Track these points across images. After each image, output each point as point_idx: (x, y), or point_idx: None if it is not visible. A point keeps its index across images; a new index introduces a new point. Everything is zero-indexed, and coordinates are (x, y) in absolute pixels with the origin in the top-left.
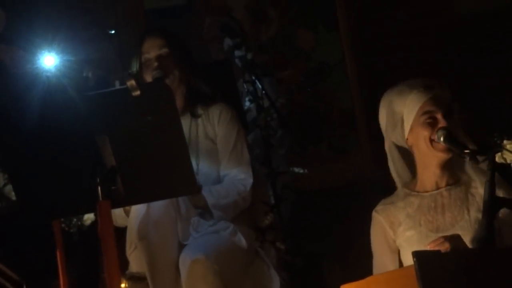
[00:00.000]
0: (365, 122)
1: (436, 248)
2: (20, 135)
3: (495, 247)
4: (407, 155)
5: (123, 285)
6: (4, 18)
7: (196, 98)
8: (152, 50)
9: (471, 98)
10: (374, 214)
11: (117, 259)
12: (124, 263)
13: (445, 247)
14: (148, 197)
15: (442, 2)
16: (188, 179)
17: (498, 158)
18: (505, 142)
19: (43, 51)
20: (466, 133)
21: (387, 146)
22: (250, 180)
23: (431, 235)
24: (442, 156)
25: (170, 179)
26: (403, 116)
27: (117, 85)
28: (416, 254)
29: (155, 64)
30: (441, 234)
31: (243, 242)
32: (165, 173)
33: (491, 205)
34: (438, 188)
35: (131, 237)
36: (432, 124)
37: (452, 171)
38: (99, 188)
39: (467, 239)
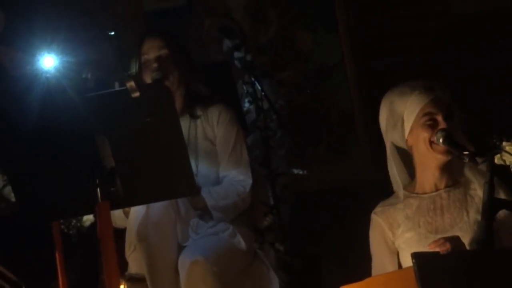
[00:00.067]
0: (364, 123)
1: (437, 249)
2: (19, 136)
3: (494, 248)
4: (406, 157)
5: (122, 286)
6: (3, 19)
7: (195, 99)
8: (152, 51)
9: (471, 99)
10: (373, 216)
11: (116, 261)
12: (123, 265)
13: (446, 247)
14: (147, 198)
15: (440, 3)
16: (187, 180)
17: (497, 160)
18: (504, 143)
19: (42, 53)
20: (466, 135)
21: (387, 146)
22: (249, 181)
23: (430, 237)
24: (441, 158)
25: (170, 180)
26: (403, 117)
27: (117, 87)
28: (415, 256)
29: (155, 65)
30: (440, 236)
31: (242, 243)
32: (164, 174)
33: (490, 206)
34: (437, 189)
35: (130, 238)
36: (432, 126)
37: (451, 172)
38: (98, 189)
39: (466, 241)
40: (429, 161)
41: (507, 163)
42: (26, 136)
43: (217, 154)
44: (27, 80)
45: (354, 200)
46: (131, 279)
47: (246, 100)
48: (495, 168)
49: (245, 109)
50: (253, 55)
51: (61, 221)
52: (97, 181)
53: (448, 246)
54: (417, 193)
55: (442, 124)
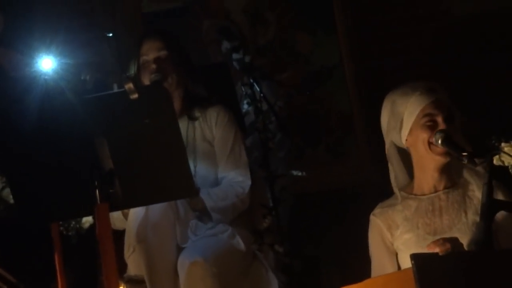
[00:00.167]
0: (363, 125)
1: (436, 249)
2: (18, 138)
3: (492, 250)
4: (406, 157)
5: None
6: (2, 21)
7: (193, 100)
8: (151, 52)
9: (470, 99)
10: (372, 217)
11: (115, 262)
12: (122, 266)
13: (445, 247)
14: (146, 200)
15: (440, 4)
16: (186, 182)
17: (496, 161)
18: (502, 145)
19: (41, 54)
20: (465, 137)
21: (387, 146)
22: (248, 182)
23: (428, 238)
24: (440, 159)
25: (168, 182)
26: (403, 117)
27: (115, 88)
28: (414, 257)
29: (153, 66)
30: (438, 237)
31: (241, 245)
32: (163, 176)
33: (489, 207)
34: (436, 191)
35: (129, 240)
36: (432, 127)
37: (450, 174)
38: (97, 191)
39: (464, 242)
40: (428, 162)
41: (506, 164)
42: (25, 138)
43: (215, 156)
44: (25, 81)
45: (353, 202)
46: (130, 281)
47: (245, 102)
48: (493, 169)
49: (244, 110)
50: (252, 56)
51: (60, 223)
52: (96, 183)
53: (448, 246)
54: (415, 195)
55: (442, 126)
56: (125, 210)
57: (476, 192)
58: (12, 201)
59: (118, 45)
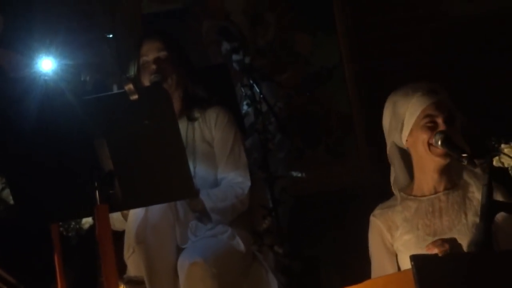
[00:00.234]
0: (363, 125)
1: (435, 250)
2: (18, 139)
3: (492, 251)
4: (407, 158)
5: None
6: (2, 22)
7: (193, 101)
8: (151, 52)
9: (470, 100)
10: (371, 218)
11: (115, 263)
12: (122, 267)
13: (444, 248)
14: (146, 201)
15: (439, 5)
16: (186, 183)
17: (495, 162)
18: (502, 146)
19: (41, 55)
20: (465, 138)
21: (389, 147)
22: (247, 183)
23: (428, 239)
24: (440, 160)
25: (168, 183)
26: (405, 117)
27: (115, 89)
28: (414, 258)
29: (153, 66)
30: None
31: (241, 245)
32: (163, 177)
33: (489, 209)
34: (435, 192)
35: (129, 241)
36: (432, 128)
37: (449, 175)
38: (96, 192)
39: (464, 243)
40: (428, 163)
41: (506, 165)
42: (25, 139)
43: (215, 156)
44: (25, 82)
45: (352, 203)
46: (129, 282)
47: (245, 103)
48: (493, 171)
49: (243, 111)
50: (251, 57)
51: (60, 223)
52: (96, 184)
53: (446, 247)
54: (415, 196)
55: (442, 127)
56: (125, 211)
57: (476, 194)
58: (12, 202)
59: (118, 46)
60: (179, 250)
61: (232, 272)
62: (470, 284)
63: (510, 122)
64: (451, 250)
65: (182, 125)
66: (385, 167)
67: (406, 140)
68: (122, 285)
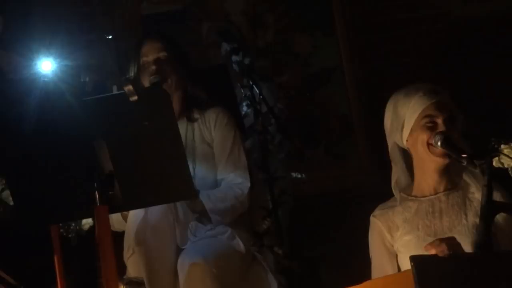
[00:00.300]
0: (362, 127)
1: (433, 251)
2: (17, 140)
3: (492, 251)
4: (408, 159)
5: None
6: (1, 23)
7: (193, 102)
8: (151, 53)
9: (470, 101)
10: (372, 218)
11: (114, 264)
12: (121, 268)
13: (441, 248)
14: (145, 202)
15: (439, 7)
16: (185, 184)
17: (495, 163)
18: (502, 146)
19: (40, 56)
20: (465, 140)
21: (390, 147)
22: (247, 184)
23: (428, 240)
24: (439, 160)
25: (168, 184)
26: (405, 118)
27: (115, 90)
28: (414, 259)
29: (153, 67)
30: None
31: (241, 246)
32: (162, 178)
33: (488, 209)
34: (436, 193)
35: (128, 242)
36: (431, 128)
37: (450, 176)
38: (96, 193)
39: (464, 244)
40: (428, 163)
41: (505, 166)
42: (25, 140)
43: (214, 157)
44: (25, 84)
45: (352, 204)
46: (129, 283)
47: (244, 104)
48: (493, 171)
49: (243, 112)
50: (251, 58)
51: (60, 224)
52: (96, 185)
53: (443, 247)
54: (415, 196)
55: (441, 127)
56: (125, 212)
57: (476, 194)
58: (11, 203)
59: (117, 47)
60: (179, 251)
61: (232, 272)
62: (470, 284)
63: (510, 123)
64: (450, 250)
65: (182, 126)
66: (385, 168)
67: (407, 140)
68: (122, 286)
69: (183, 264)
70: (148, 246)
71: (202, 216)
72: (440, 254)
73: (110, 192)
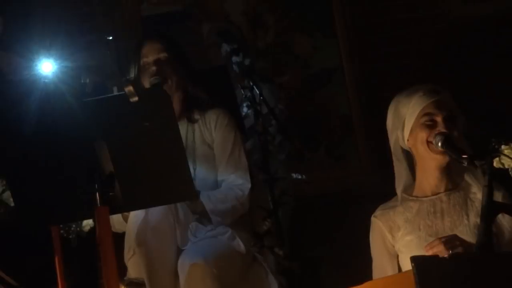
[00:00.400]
0: (363, 127)
1: (431, 251)
2: (18, 141)
3: (493, 252)
4: (410, 159)
5: None
6: (1, 24)
7: (193, 103)
8: (151, 54)
9: (470, 101)
10: (373, 219)
11: (115, 265)
12: (122, 269)
13: (439, 249)
14: (146, 203)
15: (439, 7)
16: (186, 185)
17: (496, 163)
18: (502, 147)
19: (40, 58)
20: (466, 140)
21: (392, 147)
22: (248, 185)
23: (430, 240)
24: (439, 158)
25: (168, 185)
26: (406, 117)
27: (115, 91)
28: (415, 259)
29: (154, 68)
30: None
31: (241, 246)
32: (163, 179)
33: (489, 210)
34: (437, 193)
35: (129, 243)
36: (431, 126)
37: (451, 176)
38: (97, 194)
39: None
40: (428, 161)
41: (506, 166)
42: (25, 141)
43: (214, 158)
44: (25, 85)
45: (352, 204)
46: (130, 284)
47: (245, 105)
48: (493, 172)
49: (243, 113)
50: (251, 59)
51: (61, 226)
52: (96, 186)
53: (441, 248)
54: (416, 196)
55: (441, 126)
56: (125, 213)
57: (478, 194)
58: (12, 204)
59: (117, 48)
60: (179, 252)
61: (232, 272)
62: (470, 285)
63: (510, 123)
64: (450, 248)
65: (182, 126)
66: (385, 168)
67: (408, 140)
68: (123, 287)
69: (184, 265)
70: (149, 247)
71: (203, 217)
72: (440, 254)
73: (110, 193)
